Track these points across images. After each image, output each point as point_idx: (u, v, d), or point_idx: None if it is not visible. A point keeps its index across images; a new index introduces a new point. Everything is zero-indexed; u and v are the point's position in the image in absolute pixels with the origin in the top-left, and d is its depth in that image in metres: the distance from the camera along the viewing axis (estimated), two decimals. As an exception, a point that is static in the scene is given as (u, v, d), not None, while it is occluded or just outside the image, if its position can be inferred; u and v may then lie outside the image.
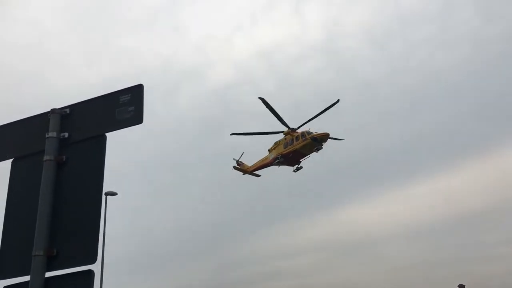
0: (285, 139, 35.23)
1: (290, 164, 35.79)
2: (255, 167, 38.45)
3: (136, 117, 4.87)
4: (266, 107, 33.81)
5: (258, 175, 39.42)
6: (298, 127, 34.87)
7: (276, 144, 36.05)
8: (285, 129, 35.27)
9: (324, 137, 33.60)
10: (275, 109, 33.97)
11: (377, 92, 71.33)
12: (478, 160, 62.89)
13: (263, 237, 63.85)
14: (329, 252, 63.51)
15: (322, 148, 33.99)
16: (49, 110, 5.19)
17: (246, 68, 78.19)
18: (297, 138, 34.18)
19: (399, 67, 73.27)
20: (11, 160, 5.32)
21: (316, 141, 33.42)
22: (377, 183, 64.99)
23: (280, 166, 36.25)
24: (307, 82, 72.80)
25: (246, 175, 39.40)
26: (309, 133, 33.82)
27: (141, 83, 5.02)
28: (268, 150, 37.08)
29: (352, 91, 71.75)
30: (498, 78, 67.41)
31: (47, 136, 5.02)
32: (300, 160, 35.33)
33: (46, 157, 4.91)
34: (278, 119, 34.51)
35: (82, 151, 5.01)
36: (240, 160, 39.01)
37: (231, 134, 36.81)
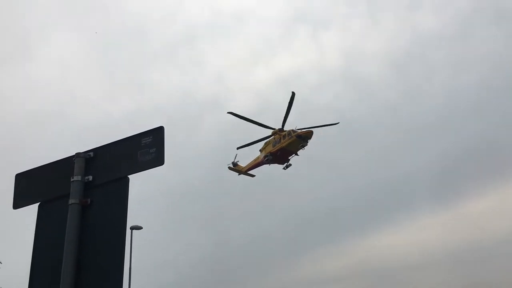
0: (274, 138, 37.43)
1: (280, 162, 37.90)
2: (249, 167, 40.64)
3: (157, 159, 5.00)
4: (240, 118, 36.05)
5: (252, 175, 41.37)
6: (282, 126, 37.09)
7: (266, 143, 38.23)
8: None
9: (308, 134, 35.85)
10: (248, 117, 36.28)
11: (399, 115, 70.96)
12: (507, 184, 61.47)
13: (292, 266, 63.04)
14: (361, 280, 62.22)
15: (307, 145, 36.14)
16: (74, 154, 5.35)
17: (266, 96, 78.89)
18: (284, 136, 36.37)
19: (420, 89, 72.93)
20: (37, 204, 5.47)
21: (301, 139, 35.63)
22: (407, 209, 63.95)
23: (271, 164, 38.33)
24: (327, 108, 72.86)
25: (241, 175, 41.54)
26: (294, 131, 35.95)
27: (162, 125, 5.14)
28: (260, 150, 39.18)
29: (374, 115, 71.52)
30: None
31: (72, 179, 5.17)
32: (289, 158, 37.45)
33: (71, 201, 5.05)
34: (258, 125, 36.89)
35: (106, 194, 5.14)
36: (235, 161, 40.95)
37: (227, 112, 37.60)
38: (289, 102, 35.60)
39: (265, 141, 38.36)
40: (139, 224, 29.69)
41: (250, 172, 41.02)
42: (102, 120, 69.59)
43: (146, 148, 5.08)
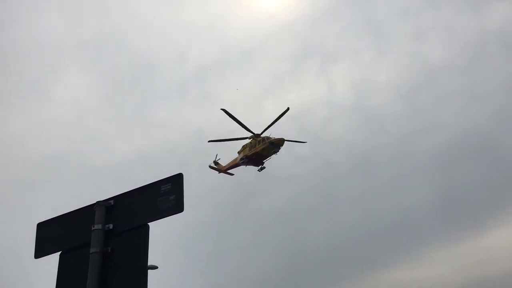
0: (250, 143, 40.76)
1: (255, 164, 40.99)
2: (227, 167, 43.88)
3: (177, 206, 5.05)
4: (230, 117, 38.76)
5: (231, 174, 44.44)
6: (261, 133, 40.16)
7: (244, 147, 41.62)
8: (250, 135, 40.79)
9: (280, 141, 39.13)
10: (238, 119, 39.13)
11: (412, 148, 70.62)
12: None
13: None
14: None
15: (279, 151, 39.56)
16: (95, 202, 5.43)
17: (276, 131, 79.01)
18: (258, 142, 39.76)
19: (432, 122, 72.77)
20: (59, 253, 5.51)
21: (273, 145, 38.94)
22: (424, 242, 62.81)
23: (247, 165, 41.52)
24: (339, 141, 72.88)
25: (221, 173, 44.61)
26: (268, 138, 39.31)
27: (180, 172, 5.20)
28: (238, 153, 42.44)
29: (386, 148, 71.28)
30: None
31: (93, 228, 5.23)
32: (263, 161, 40.56)
33: (92, 250, 5.09)
34: (243, 127, 39.74)
35: (126, 242, 5.17)
36: (216, 161, 44.37)
37: (208, 141, 41.78)
38: (280, 114, 39.06)
39: (243, 144, 41.83)
40: (154, 264, 29.44)
41: (230, 171, 44.24)
42: (117, 159, 70.12)
43: (165, 195, 5.13)
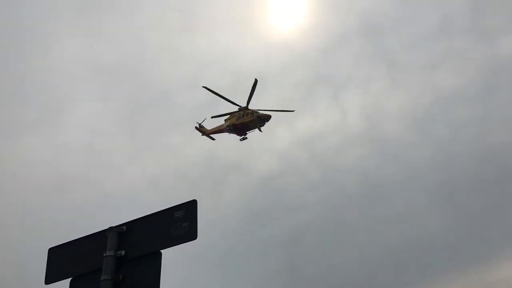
0: (239, 113, 42.72)
1: (238, 134, 43.16)
2: (212, 131, 45.96)
3: (190, 233, 4.97)
4: (213, 93, 41.14)
5: (213, 139, 46.70)
6: (247, 105, 42.28)
7: (232, 116, 43.53)
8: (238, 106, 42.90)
9: (267, 117, 41.63)
10: (221, 94, 41.52)
11: (425, 176, 69.88)
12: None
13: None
14: None
15: (264, 125, 42.10)
16: (107, 228, 5.37)
17: (288, 158, 78.90)
18: (247, 114, 42.02)
19: (444, 150, 72.18)
20: (69, 279, 5.44)
21: (260, 120, 41.40)
22: (435, 271, 61.50)
23: (231, 133, 43.80)
24: (351, 169, 72.36)
25: (204, 136, 46.73)
26: (257, 112, 41.67)
27: (195, 198, 5.14)
28: (224, 120, 44.31)
29: (399, 176, 70.60)
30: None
31: (104, 254, 5.15)
32: (247, 132, 42.88)
33: (103, 277, 5.00)
34: (228, 101, 41.96)
35: (139, 269, 5.08)
36: (202, 124, 46.20)
37: (202, 87, 42.44)
38: (252, 87, 40.93)
39: (231, 113, 43.79)
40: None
41: (212, 135, 46.40)
42: (128, 184, 70.25)
43: (179, 222, 5.06)
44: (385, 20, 79.22)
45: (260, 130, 43.27)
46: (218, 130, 45.33)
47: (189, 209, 5.11)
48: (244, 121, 42.08)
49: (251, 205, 70.59)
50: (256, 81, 40.49)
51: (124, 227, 5.35)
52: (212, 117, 43.91)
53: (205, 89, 41.62)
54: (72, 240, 5.67)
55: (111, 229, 5.34)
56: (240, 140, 43.78)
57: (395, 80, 77.97)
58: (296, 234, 65.09)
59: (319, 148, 76.28)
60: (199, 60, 78.41)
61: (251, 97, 41.91)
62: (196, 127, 46.58)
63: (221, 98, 42.36)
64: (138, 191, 65.18)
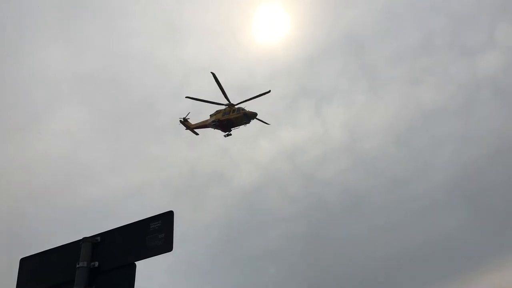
0: (225, 110, 43.22)
1: (223, 130, 43.69)
2: (196, 126, 46.27)
3: (166, 245, 4.89)
4: (216, 82, 40.86)
5: (196, 134, 47.11)
6: (237, 104, 42.79)
7: (217, 112, 43.94)
8: (225, 103, 43.20)
9: (253, 115, 42.23)
10: (222, 87, 41.49)
11: (406, 190, 70.45)
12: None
13: None
14: None
15: (249, 123, 42.58)
16: (81, 238, 5.26)
17: (270, 169, 78.91)
18: (233, 111, 42.52)
19: (425, 164, 72.96)
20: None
21: (246, 117, 41.91)
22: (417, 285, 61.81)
23: (215, 129, 44.12)
24: (332, 182, 72.66)
25: (188, 131, 47.05)
26: (243, 109, 42.10)
27: (171, 209, 5.07)
28: (210, 115, 44.74)
29: (379, 189, 71.07)
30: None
31: (77, 266, 5.04)
32: (231, 128, 43.36)
33: (76, 288, 4.90)
34: (224, 94, 42.12)
35: (112, 281, 4.99)
36: (186, 118, 46.41)
37: (186, 97, 43.06)
38: (216, 83, 41.05)
39: (217, 110, 44.04)
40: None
41: (196, 130, 46.70)
42: (108, 192, 69.43)
43: (154, 234, 4.98)
44: (369, 35, 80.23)
45: (264, 122, 44.51)
46: (203, 125, 45.67)
47: (165, 220, 5.04)
48: (230, 118, 42.57)
49: (232, 215, 70.33)
50: (213, 74, 40.86)
51: (98, 238, 5.25)
52: (186, 97, 43.70)
53: (189, 99, 42.18)
54: (45, 251, 5.53)
55: (85, 239, 5.23)
56: (224, 136, 44.27)
57: (377, 94, 78.81)
58: (276, 246, 64.96)
59: (301, 160, 76.51)
60: (184, 69, 78.28)
61: (223, 92, 42.21)
62: (180, 121, 46.66)
63: (206, 103, 42.95)
64: (120, 200, 64.51)
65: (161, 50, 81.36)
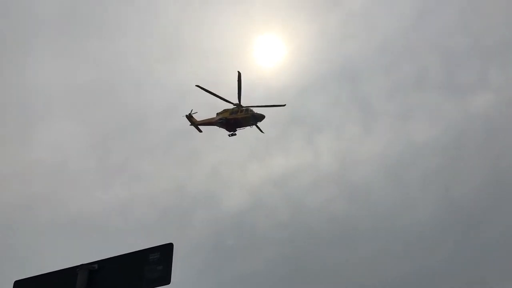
0: (233, 109, 43.47)
1: (229, 129, 43.66)
2: (201, 122, 46.21)
3: (164, 278, 4.89)
4: (206, 92, 41.84)
5: (200, 131, 47.05)
6: (246, 106, 43.04)
7: (225, 110, 44.10)
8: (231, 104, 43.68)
9: (261, 117, 42.61)
10: (214, 93, 42.28)
11: (394, 223, 70.48)
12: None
13: None
14: None
15: (255, 124, 42.85)
16: (78, 265, 5.25)
17: (259, 194, 78.71)
18: (241, 111, 42.87)
19: (413, 198, 73.23)
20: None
21: (254, 118, 42.30)
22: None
23: (221, 127, 44.04)
24: (320, 210, 72.56)
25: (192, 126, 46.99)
26: (251, 110, 42.69)
27: (171, 242, 5.09)
28: (217, 114, 44.78)
29: (366, 221, 71.02)
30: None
31: (73, 293, 5.03)
32: (237, 128, 43.45)
33: (70, 317, 4.87)
34: (239, 95, 42.35)
35: (107, 310, 4.97)
36: (191, 114, 46.54)
37: (196, 86, 42.88)
38: (238, 82, 41.66)
39: (225, 108, 44.10)
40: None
41: (200, 127, 46.58)
42: (94, 207, 68.69)
43: (153, 265, 4.99)
44: (364, 67, 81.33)
45: (259, 130, 44.33)
46: (208, 122, 45.72)
47: (165, 252, 5.05)
48: (238, 117, 42.79)
49: (219, 238, 69.75)
50: (239, 74, 41.23)
51: (96, 265, 5.24)
52: (196, 85, 43.41)
53: (198, 87, 42.04)
54: (41, 274, 5.50)
55: (82, 266, 5.23)
56: (229, 135, 44.19)
57: (369, 126, 79.47)
58: (261, 271, 64.36)
59: (290, 187, 76.49)
60: (178, 88, 78.49)
61: (240, 93, 42.40)
62: (186, 116, 46.67)
63: (214, 96, 42.87)
64: (106, 216, 63.84)
65: (156, 68, 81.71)
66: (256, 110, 43.26)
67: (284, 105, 44.98)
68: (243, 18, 79.58)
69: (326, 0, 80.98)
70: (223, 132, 44.00)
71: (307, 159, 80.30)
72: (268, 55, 75.73)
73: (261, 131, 45.45)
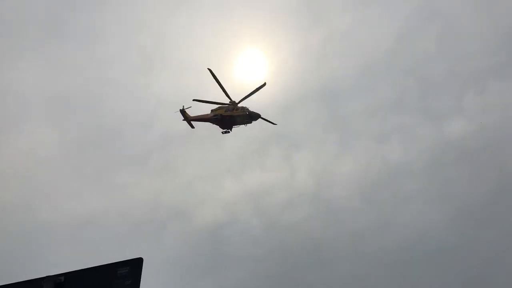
0: (228, 106, 43.78)
1: (223, 126, 43.87)
2: (195, 118, 45.90)
3: (132, 293, 4.80)
4: (214, 78, 41.77)
5: (193, 127, 46.58)
6: (239, 102, 43.59)
7: (220, 107, 44.29)
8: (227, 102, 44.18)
9: (257, 116, 43.03)
10: (221, 82, 42.20)
11: (367, 243, 70.79)
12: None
13: None
14: None
15: (251, 123, 43.17)
16: (44, 276, 5.13)
17: (233, 209, 78.29)
18: (237, 109, 43.27)
19: (386, 219, 73.76)
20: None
21: (250, 117, 42.69)
22: None
23: (214, 124, 44.13)
24: (295, 228, 72.48)
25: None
26: (247, 109, 43.10)
27: (141, 256, 5.01)
28: (211, 110, 44.92)
29: (340, 241, 71.20)
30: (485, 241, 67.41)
31: (37, 305, 4.89)
32: (230, 126, 43.68)
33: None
34: (223, 91, 42.85)
35: (72, 324, 4.85)
36: (186, 108, 45.90)
37: (193, 100, 43.94)
38: (257, 88, 42.39)
39: (219, 106, 44.45)
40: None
41: (193, 123, 46.30)
42: (64, 217, 67.28)
43: (121, 279, 4.89)
44: (345, 87, 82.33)
45: (271, 122, 44.95)
46: (201, 118, 45.73)
47: (134, 267, 4.97)
48: (233, 115, 43.09)
49: (192, 253, 68.97)
50: (264, 84, 42.01)
51: (62, 278, 5.12)
52: (193, 100, 44.32)
53: (209, 71, 41.93)
54: (4, 285, 5.35)
55: (48, 278, 5.10)
56: (222, 133, 44.53)
57: (347, 146, 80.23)
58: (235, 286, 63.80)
59: (266, 203, 76.35)
60: (157, 101, 78.12)
61: (248, 96, 42.87)
62: (180, 110, 46.29)
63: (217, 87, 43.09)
64: (76, 227, 62.66)
65: (137, 79, 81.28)
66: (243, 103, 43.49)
67: (264, 83, 44.20)
68: (227, 33, 79.91)
69: (309, 19, 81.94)
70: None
71: (284, 176, 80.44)
72: (249, 71, 76.11)
73: (272, 123, 45.70)
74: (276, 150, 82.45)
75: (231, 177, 79.21)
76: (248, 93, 43.20)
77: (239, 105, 43.90)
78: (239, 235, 68.34)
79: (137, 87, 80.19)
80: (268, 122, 45.44)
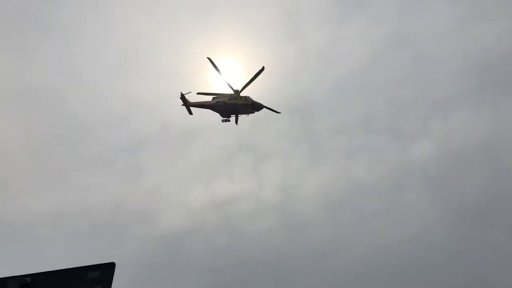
0: (231, 95, 43.75)
1: (224, 115, 43.89)
2: (196, 104, 45.60)
3: (101, 299, 4.66)
4: (214, 67, 41.66)
5: (191, 113, 46.27)
6: (241, 90, 43.66)
7: (223, 95, 44.29)
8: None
9: (260, 106, 43.21)
10: (220, 71, 42.36)
11: (328, 258, 71.24)
12: None
13: None
14: None
15: (253, 113, 43.41)
16: (9, 276, 4.93)
17: (198, 216, 77.63)
18: (240, 98, 43.30)
19: (349, 237, 74.48)
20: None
21: (253, 107, 42.89)
22: None
23: (214, 111, 44.03)
24: (259, 239, 72.39)
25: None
26: (251, 99, 43.24)
27: (113, 261, 4.88)
28: (213, 98, 44.88)
29: (303, 255, 71.44)
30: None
31: (0, 306, 4.70)
32: (231, 116, 43.71)
33: (-6, 331, 4.54)
34: (224, 80, 43.03)
35: (36, 328, 4.67)
36: (187, 94, 45.58)
37: (197, 93, 44.34)
38: (255, 74, 42.18)
39: (222, 93, 44.47)
40: None
41: (191, 109, 46.00)
42: (21, 215, 65.26)
43: (91, 283, 4.74)
44: (317, 103, 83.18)
45: (275, 111, 45.19)
46: (202, 105, 45.36)
47: (105, 271, 4.83)
48: (236, 103, 43.12)
49: (152, 259, 67.90)
50: (263, 68, 41.77)
51: (29, 279, 4.92)
52: (197, 93, 44.44)
53: (208, 60, 41.90)
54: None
55: (13, 278, 4.90)
56: (222, 121, 44.41)
57: (315, 160, 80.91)
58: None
59: (231, 213, 76.06)
60: (130, 102, 77.20)
61: (249, 84, 42.85)
62: (181, 93, 45.67)
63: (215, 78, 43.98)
64: (33, 225, 60.93)
65: (110, 79, 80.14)
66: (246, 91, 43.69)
67: (263, 67, 43.72)
68: (205, 39, 79.86)
69: (287, 32, 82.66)
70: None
71: (251, 186, 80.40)
72: (221, 80, 76.10)
73: (276, 111, 45.86)
74: (244, 160, 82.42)
75: (198, 184, 78.65)
76: (249, 80, 43.31)
77: (241, 94, 43.92)
78: (202, 244, 67.78)
79: (110, 87, 79.04)
80: (272, 111, 45.64)
